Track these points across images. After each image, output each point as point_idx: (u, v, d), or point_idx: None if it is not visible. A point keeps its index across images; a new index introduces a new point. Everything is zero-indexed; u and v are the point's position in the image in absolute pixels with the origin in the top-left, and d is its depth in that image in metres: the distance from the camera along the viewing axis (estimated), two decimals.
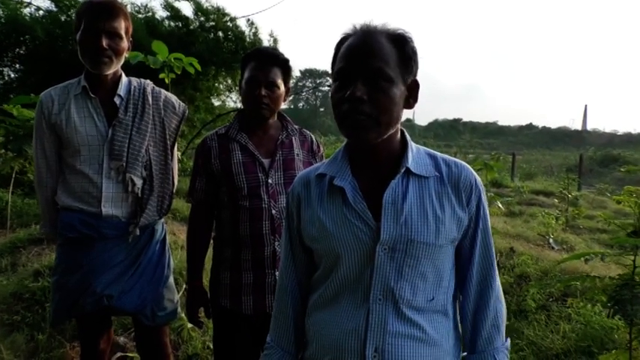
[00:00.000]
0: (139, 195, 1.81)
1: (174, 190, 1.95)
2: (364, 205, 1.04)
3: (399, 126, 1.08)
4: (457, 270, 1.13)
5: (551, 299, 3.57)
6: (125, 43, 1.77)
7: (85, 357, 1.94)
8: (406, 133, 1.13)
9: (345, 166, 1.09)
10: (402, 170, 1.05)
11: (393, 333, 1.01)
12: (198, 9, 8.14)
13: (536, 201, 9.40)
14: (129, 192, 1.79)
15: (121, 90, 1.81)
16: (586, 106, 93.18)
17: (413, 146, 1.11)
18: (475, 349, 1.10)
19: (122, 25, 1.73)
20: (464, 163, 1.12)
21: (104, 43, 1.68)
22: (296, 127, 1.88)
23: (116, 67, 1.78)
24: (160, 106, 1.88)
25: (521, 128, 51.94)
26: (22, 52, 7.32)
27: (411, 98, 1.07)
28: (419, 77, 1.08)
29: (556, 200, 8.79)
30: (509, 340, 1.14)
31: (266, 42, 8.57)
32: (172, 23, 8.22)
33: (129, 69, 1.95)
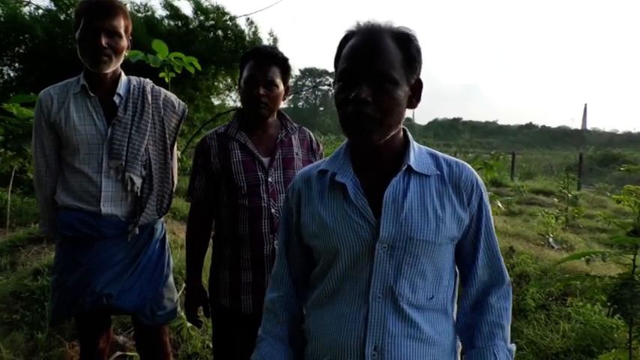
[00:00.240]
0: (139, 194, 1.81)
1: (173, 189, 1.94)
2: (365, 201, 1.04)
3: (401, 125, 1.08)
4: (461, 269, 1.13)
5: (550, 298, 3.57)
6: (125, 42, 1.76)
7: (85, 356, 1.94)
8: (408, 132, 1.12)
9: (347, 163, 1.09)
10: (404, 168, 1.05)
11: (393, 332, 1.00)
12: (198, 8, 8.14)
13: (536, 200, 9.38)
14: (128, 191, 1.79)
15: (121, 89, 1.80)
16: (586, 105, 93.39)
17: (415, 145, 1.11)
18: (474, 345, 1.08)
19: (121, 24, 1.73)
20: (465, 163, 1.12)
21: (103, 41, 1.67)
22: (295, 125, 1.88)
23: (115, 65, 1.77)
24: (160, 105, 1.88)
25: (520, 127, 51.89)
26: (21, 51, 7.32)
27: (414, 98, 1.07)
28: (420, 76, 1.07)
29: (556, 199, 8.78)
30: (514, 345, 1.11)
31: (266, 41, 8.59)
32: (172, 22, 8.23)
33: (128, 68, 1.95)
